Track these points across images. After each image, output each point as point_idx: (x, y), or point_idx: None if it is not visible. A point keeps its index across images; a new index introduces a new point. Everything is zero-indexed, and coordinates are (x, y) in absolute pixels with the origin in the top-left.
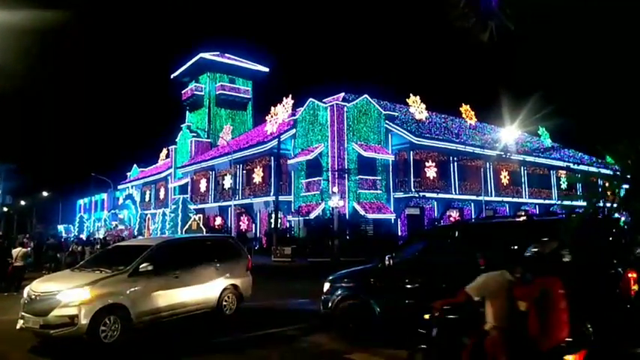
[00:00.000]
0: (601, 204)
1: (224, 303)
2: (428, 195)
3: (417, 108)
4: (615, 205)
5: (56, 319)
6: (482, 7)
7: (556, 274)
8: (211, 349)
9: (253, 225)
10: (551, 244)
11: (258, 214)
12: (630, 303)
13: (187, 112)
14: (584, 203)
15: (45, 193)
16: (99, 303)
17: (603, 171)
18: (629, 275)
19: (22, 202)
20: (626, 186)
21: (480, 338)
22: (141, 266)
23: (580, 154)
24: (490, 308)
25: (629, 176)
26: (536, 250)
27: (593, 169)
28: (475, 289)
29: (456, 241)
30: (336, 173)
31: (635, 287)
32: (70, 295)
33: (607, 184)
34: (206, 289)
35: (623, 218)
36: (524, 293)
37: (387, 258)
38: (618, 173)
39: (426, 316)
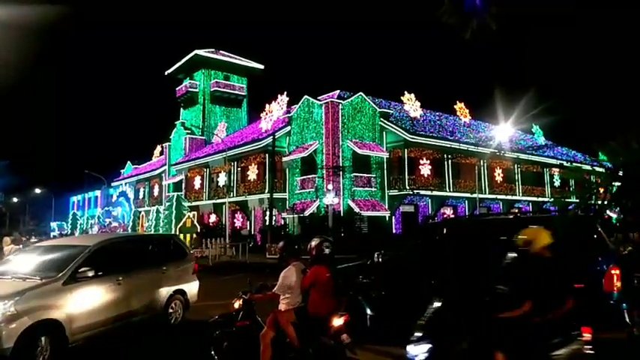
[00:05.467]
0: (593, 201)
1: (170, 311)
2: (422, 192)
3: (411, 106)
4: (607, 202)
5: None
6: (466, 6)
7: (323, 263)
8: None
9: (248, 222)
10: (317, 240)
11: (252, 211)
12: (613, 299)
13: (182, 108)
14: (577, 200)
15: (38, 190)
16: (27, 320)
17: (596, 169)
18: (613, 272)
19: (15, 199)
20: (618, 183)
21: (275, 319)
22: (79, 271)
23: (573, 152)
24: (291, 295)
25: (621, 173)
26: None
27: (586, 167)
28: (284, 287)
29: (444, 238)
30: (331, 171)
31: (618, 284)
32: None
33: (599, 181)
34: (152, 296)
35: (614, 216)
36: (306, 279)
37: (375, 255)
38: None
39: (236, 306)
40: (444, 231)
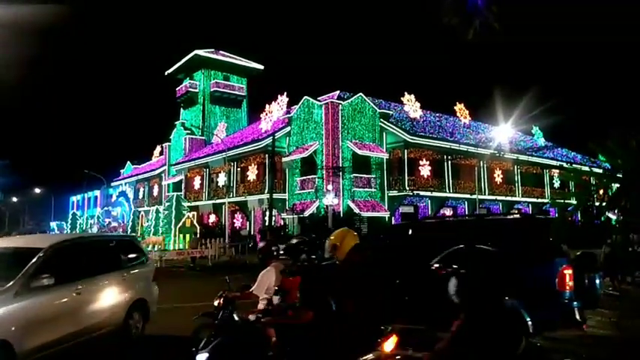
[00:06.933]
0: (591, 202)
1: (130, 323)
2: (422, 193)
3: (411, 106)
4: (605, 204)
5: None
6: (468, 5)
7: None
8: None
9: (247, 223)
10: (296, 240)
11: (252, 211)
12: (565, 298)
13: (181, 109)
14: (576, 202)
15: (37, 190)
16: None
17: (595, 170)
18: (565, 272)
19: (14, 199)
20: (617, 185)
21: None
22: (34, 279)
23: (573, 153)
24: (270, 294)
25: (619, 175)
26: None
27: (585, 168)
28: (262, 287)
29: (409, 239)
30: (331, 171)
31: (570, 283)
32: None
33: (598, 182)
34: (113, 307)
35: (614, 217)
36: (290, 280)
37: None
38: (608, 171)
39: (215, 304)
40: (410, 232)
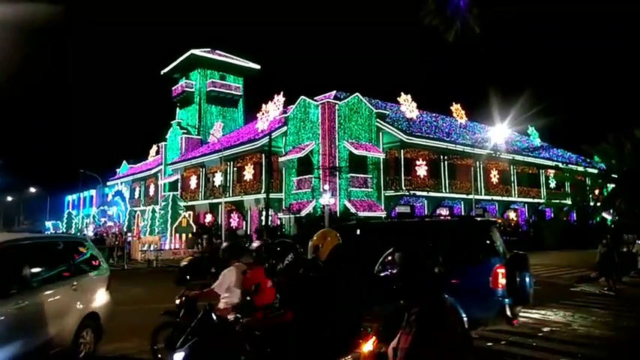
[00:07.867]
0: (587, 202)
1: (80, 341)
2: (418, 193)
3: (408, 106)
4: (600, 204)
5: None
6: (450, 7)
7: (261, 265)
8: None
9: (244, 222)
10: (258, 242)
11: (248, 211)
12: (498, 295)
13: (178, 108)
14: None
15: (32, 189)
16: None
17: (590, 170)
18: (498, 271)
19: (9, 198)
20: (612, 185)
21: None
22: None
23: (569, 153)
24: (230, 294)
25: (614, 175)
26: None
27: (580, 168)
28: (222, 286)
29: (357, 239)
30: (327, 171)
31: (502, 281)
32: None
33: (593, 183)
34: (61, 324)
35: (609, 217)
36: (247, 281)
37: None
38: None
39: (177, 302)
40: (357, 232)
